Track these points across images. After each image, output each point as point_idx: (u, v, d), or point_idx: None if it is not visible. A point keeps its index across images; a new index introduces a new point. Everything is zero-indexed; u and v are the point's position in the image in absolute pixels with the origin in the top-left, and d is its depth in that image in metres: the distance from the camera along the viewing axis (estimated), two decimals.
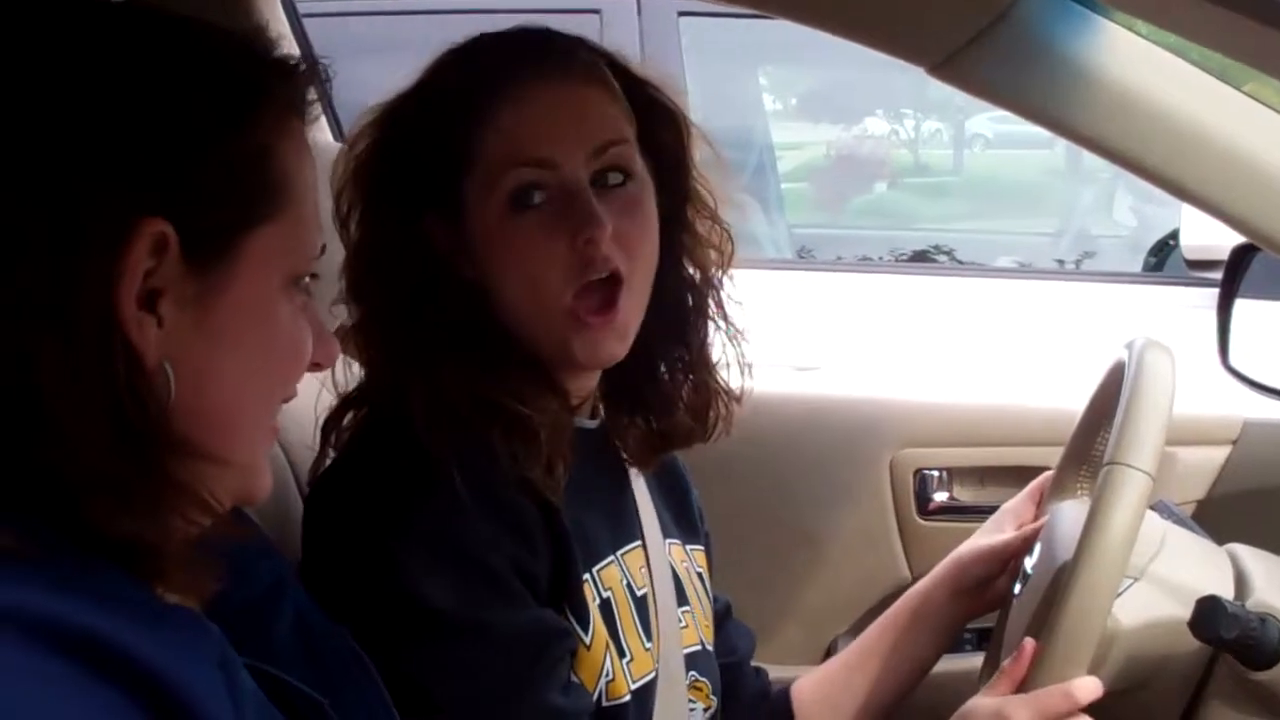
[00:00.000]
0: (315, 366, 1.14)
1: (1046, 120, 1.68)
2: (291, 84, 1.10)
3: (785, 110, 7.59)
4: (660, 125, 1.61)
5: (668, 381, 1.70)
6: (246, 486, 1.10)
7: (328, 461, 1.57)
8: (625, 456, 1.70)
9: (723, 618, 1.86)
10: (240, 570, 1.17)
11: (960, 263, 5.02)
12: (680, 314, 1.68)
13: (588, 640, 1.54)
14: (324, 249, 1.12)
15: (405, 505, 1.45)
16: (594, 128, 1.52)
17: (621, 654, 1.57)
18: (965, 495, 2.49)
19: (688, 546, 1.79)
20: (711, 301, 1.70)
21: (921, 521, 2.48)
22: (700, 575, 1.79)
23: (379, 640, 1.40)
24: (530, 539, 1.49)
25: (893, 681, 1.87)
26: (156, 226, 0.97)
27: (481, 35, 1.57)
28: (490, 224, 1.50)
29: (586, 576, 1.56)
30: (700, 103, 3.58)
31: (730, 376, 1.72)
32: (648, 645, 1.61)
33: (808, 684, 1.92)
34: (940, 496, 2.49)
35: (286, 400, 1.13)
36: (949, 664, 2.10)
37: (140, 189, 0.97)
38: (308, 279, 1.11)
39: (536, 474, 1.48)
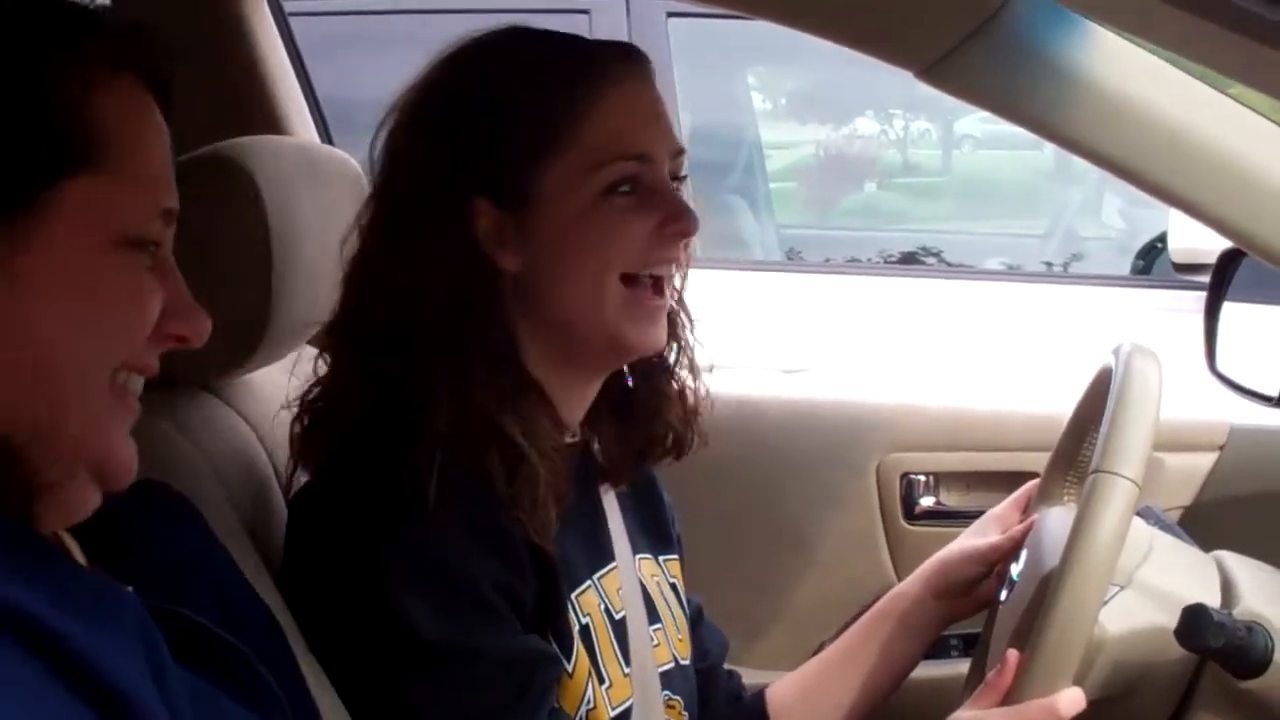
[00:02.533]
0: (179, 340, 1.11)
1: (1034, 124, 1.68)
2: (111, 39, 1.08)
3: (774, 110, 7.60)
4: None
5: (645, 391, 1.69)
6: (99, 466, 1.07)
7: (302, 478, 1.56)
8: (602, 474, 1.69)
9: (695, 622, 1.84)
10: (151, 535, 1.21)
11: (949, 265, 5.03)
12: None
13: (570, 668, 1.53)
14: (172, 215, 1.10)
15: (393, 529, 1.44)
16: (671, 131, 1.58)
17: (601, 680, 1.56)
18: (952, 500, 2.49)
19: (661, 558, 1.77)
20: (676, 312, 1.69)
21: (908, 526, 2.47)
22: (674, 586, 1.78)
23: (368, 664, 1.40)
24: (518, 563, 1.47)
25: (872, 682, 1.86)
26: None
27: (520, 29, 1.57)
28: (574, 208, 1.50)
29: (569, 602, 1.55)
30: (689, 103, 3.58)
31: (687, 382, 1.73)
32: (626, 671, 1.60)
33: (785, 685, 1.91)
34: (927, 501, 2.48)
35: (138, 372, 1.10)
36: (934, 670, 2.10)
37: None
38: (152, 246, 1.08)
39: (527, 512, 1.46)
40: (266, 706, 1.17)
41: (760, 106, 5.83)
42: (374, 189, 1.56)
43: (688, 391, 1.71)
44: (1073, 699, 1.46)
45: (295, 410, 1.57)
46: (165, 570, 1.18)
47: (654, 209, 1.52)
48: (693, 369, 1.72)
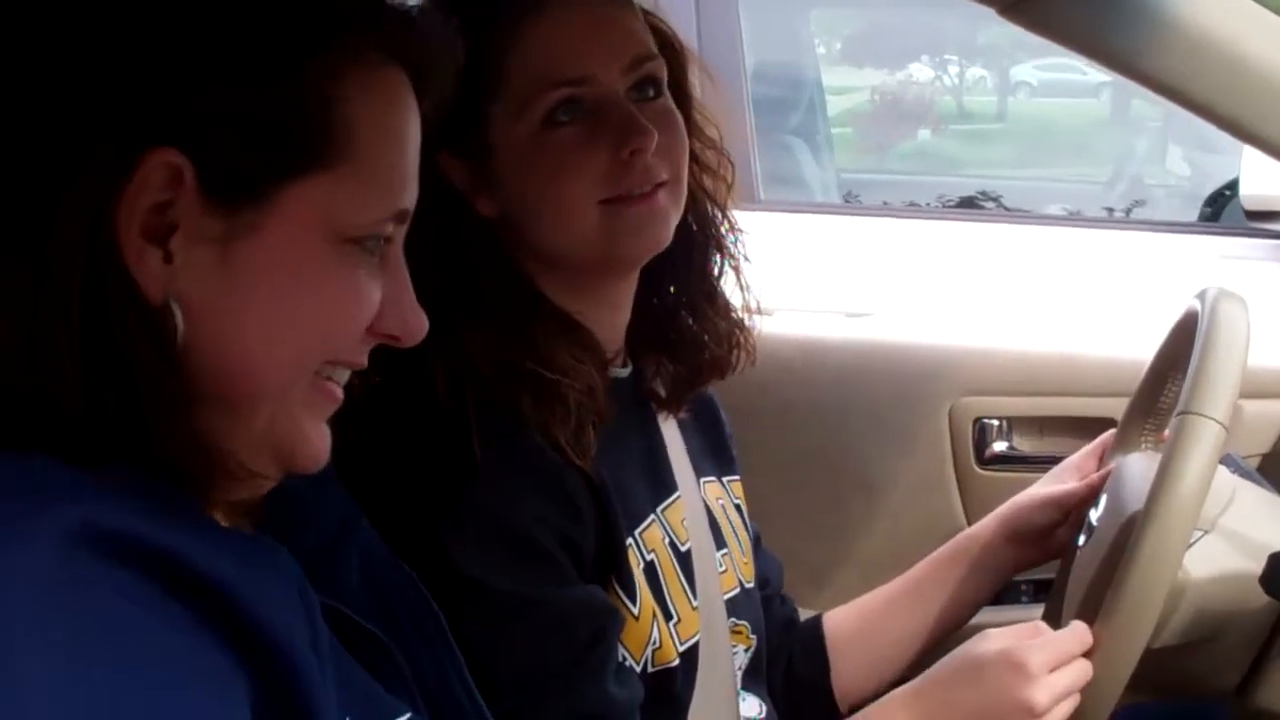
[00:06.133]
0: (392, 339, 1.08)
1: (1120, 65, 1.65)
2: (376, 29, 1.03)
3: (829, 54, 7.55)
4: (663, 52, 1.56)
5: (689, 316, 1.67)
6: (289, 455, 1.05)
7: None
8: (658, 403, 1.66)
9: (754, 546, 1.82)
10: (309, 509, 1.16)
11: (1008, 209, 4.98)
12: (694, 245, 1.64)
13: (636, 611, 1.51)
14: (406, 216, 1.06)
15: (444, 487, 1.42)
16: (626, 43, 1.49)
17: (669, 617, 1.55)
18: (1025, 445, 2.47)
19: (724, 479, 1.76)
20: (718, 230, 1.67)
21: (980, 471, 2.46)
22: (738, 507, 1.77)
23: None
24: (575, 509, 1.46)
25: (934, 622, 1.86)
26: (168, 157, 0.93)
27: None
28: (520, 148, 1.47)
29: (630, 541, 1.52)
30: (753, 40, 3.55)
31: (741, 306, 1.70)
32: (695, 604, 1.58)
33: (844, 615, 1.90)
34: (1000, 446, 2.47)
35: (347, 366, 1.07)
36: (1004, 615, 2.10)
37: (154, 117, 0.93)
38: (379, 243, 1.04)
39: (567, 439, 1.45)
40: (404, 698, 1.14)
41: (818, 51, 5.79)
42: None
43: (731, 308, 1.69)
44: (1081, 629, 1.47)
45: None
46: (319, 546, 1.15)
47: (603, 132, 1.46)
48: (738, 277, 1.68)
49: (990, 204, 5.02)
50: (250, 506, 1.09)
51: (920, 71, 7.62)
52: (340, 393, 1.07)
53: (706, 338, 1.67)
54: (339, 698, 0.99)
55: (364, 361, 1.08)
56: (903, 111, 6.95)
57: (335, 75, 0.99)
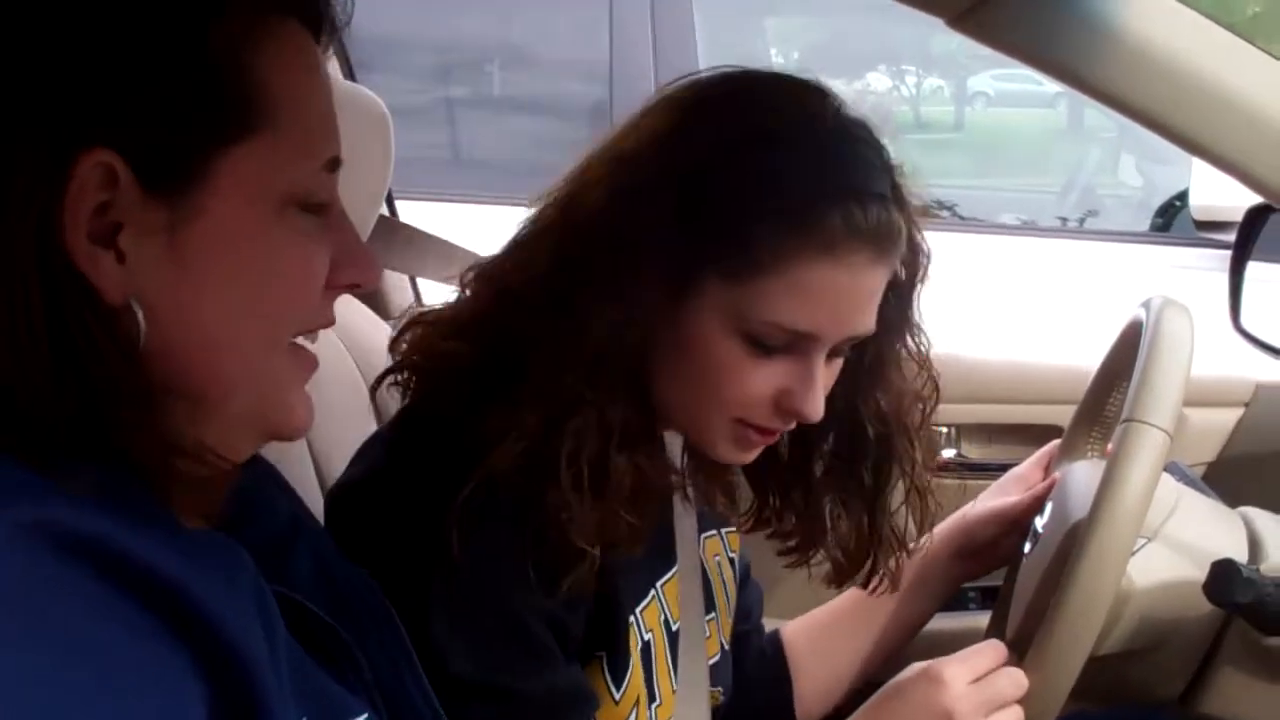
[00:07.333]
0: (353, 288, 1.07)
1: (1066, 75, 1.66)
2: None
3: (788, 64, 7.55)
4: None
5: (820, 499, 1.63)
6: (275, 425, 1.04)
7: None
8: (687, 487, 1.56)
9: (743, 580, 1.81)
10: (257, 505, 1.15)
11: (962, 218, 5.00)
12: (861, 446, 1.61)
13: (618, 695, 1.46)
14: (337, 162, 1.05)
15: (445, 542, 1.32)
16: None
17: (652, 699, 1.50)
18: (973, 452, 2.48)
19: (724, 530, 1.73)
20: (902, 445, 1.63)
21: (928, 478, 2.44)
22: (732, 560, 1.74)
23: None
24: (572, 595, 1.38)
25: (884, 637, 1.86)
26: (100, 158, 0.91)
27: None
28: (718, 335, 1.39)
29: (631, 619, 1.48)
30: (707, 52, 3.56)
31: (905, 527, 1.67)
32: (675, 686, 1.54)
33: (797, 634, 1.89)
34: (948, 453, 2.48)
35: (316, 329, 1.06)
36: (953, 622, 2.10)
37: (77, 121, 0.91)
38: (321, 196, 1.03)
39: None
40: (362, 695, 1.12)
41: (775, 60, 5.79)
42: (593, 217, 1.39)
43: (880, 528, 1.66)
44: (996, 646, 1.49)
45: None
46: (270, 540, 1.13)
47: (789, 378, 1.42)
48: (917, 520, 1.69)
49: (945, 213, 5.03)
50: (210, 504, 1.08)
51: (878, 81, 7.62)
52: (315, 356, 1.07)
53: (830, 532, 1.65)
54: (296, 697, 0.98)
55: (333, 319, 1.07)
56: None
57: (241, 40, 0.98)
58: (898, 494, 1.64)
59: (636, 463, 1.39)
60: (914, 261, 1.52)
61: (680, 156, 1.36)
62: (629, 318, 1.35)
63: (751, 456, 1.49)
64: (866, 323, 1.42)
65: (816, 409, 1.42)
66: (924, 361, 1.62)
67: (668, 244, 1.34)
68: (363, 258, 1.08)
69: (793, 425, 1.45)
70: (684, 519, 1.61)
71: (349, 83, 2.08)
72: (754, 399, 1.41)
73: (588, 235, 1.36)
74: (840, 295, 1.38)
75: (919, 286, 1.55)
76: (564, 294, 1.35)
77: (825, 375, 1.43)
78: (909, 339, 1.59)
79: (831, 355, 1.43)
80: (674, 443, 1.53)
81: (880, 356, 1.56)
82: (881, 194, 1.38)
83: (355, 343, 2.07)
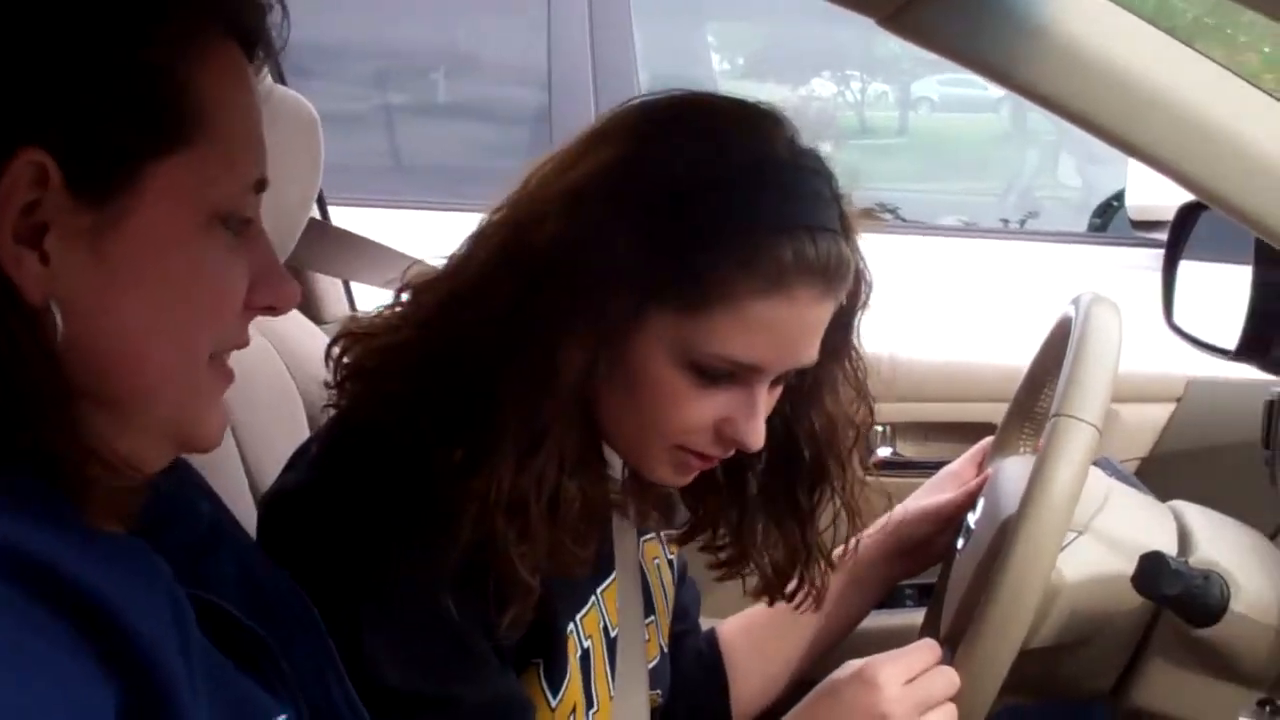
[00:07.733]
0: (269, 310, 1.08)
1: (997, 75, 1.67)
2: (218, 4, 1.02)
3: (733, 69, 7.56)
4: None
5: (754, 517, 1.62)
6: (188, 437, 1.05)
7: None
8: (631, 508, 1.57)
9: (680, 579, 1.81)
10: (178, 508, 1.15)
11: (904, 220, 5.02)
12: (795, 467, 1.60)
13: (555, 702, 1.45)
14: (263, 184, 1.06)
15: (380, 555, 1.33)
16: None
17: (590, 705, 1.50)
18: (909, 450, 2.49)
19: (663, 532, 1.72)
20: (834, 468, 1.62)
21: (864, 476, 2.45)
22: (671, 562, 1.75)
23: None
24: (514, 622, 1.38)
25: (819, 636, 1.86)
26: (32, 156, 0.92)
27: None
28: (664, 365, 1.38)
29: (570, 628, 1.48)
30: (648, 60, 3.56)
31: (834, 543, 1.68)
32: (612, 693, 1.54)
33: (733, 633, 1.89)
34: (884, 451, 2.48)
35: (232, 347, 1.07)
36: (889, 620, 2.11)
37: (13, 118, 0.92)
38: (243, 222, 1.03)
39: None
40: (284, 698, 1.12)
41: (719, 67, 5.79)
42: (550, 252, 1.36)
43: (809, 546, 1.66)
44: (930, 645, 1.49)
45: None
46: (191, 544, 1.13)
47: (731, 407, 1.42)
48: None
49: (887, 215, 5.05)
50: (126, 509, 1.07)
51: (822, 87, 7.62)
52: (232, 371, 1.08)
53: (763, 550, 1.65)
54: (211, 703, 0.98)
55: (247, 340, 1.08)
56: (804, 126, 6.95)
57: (179, 53, 0.98)
58: (828, 513, 1.64)
59: (584, 489, 1.39)
60: (857, 290, 1.51)
61: (632, 190, 1.35)
62: (590, 350, 1.35)
63: (689, 480, 1.49)
64: (811, 354, 1.43)
65: (757, 438, 1.42)
66: (860, 387, 1.63)
67: (624, 278, 1.34)
68: (279, 281, 1.08)
69: (731, 453, 1.45)
70: (624, 527, 1.61)
71: (279, 86, 2.07)
72: (696, 427, 1.41)
73: (546, 270, 1.34)
74: (788, 329, 1.38)
75: (860, 314, 1.55)
76: (527, 332, 1.34)
77: (766, 402, 1.44)
78: (847, 364, 1.59)
79: (774, 384, 1.44)
80: (614, 459, 1.53)
81: (818, 381, 1.56)
82: (832, 228, 1.38)
83: (287, 348, 2.06)
